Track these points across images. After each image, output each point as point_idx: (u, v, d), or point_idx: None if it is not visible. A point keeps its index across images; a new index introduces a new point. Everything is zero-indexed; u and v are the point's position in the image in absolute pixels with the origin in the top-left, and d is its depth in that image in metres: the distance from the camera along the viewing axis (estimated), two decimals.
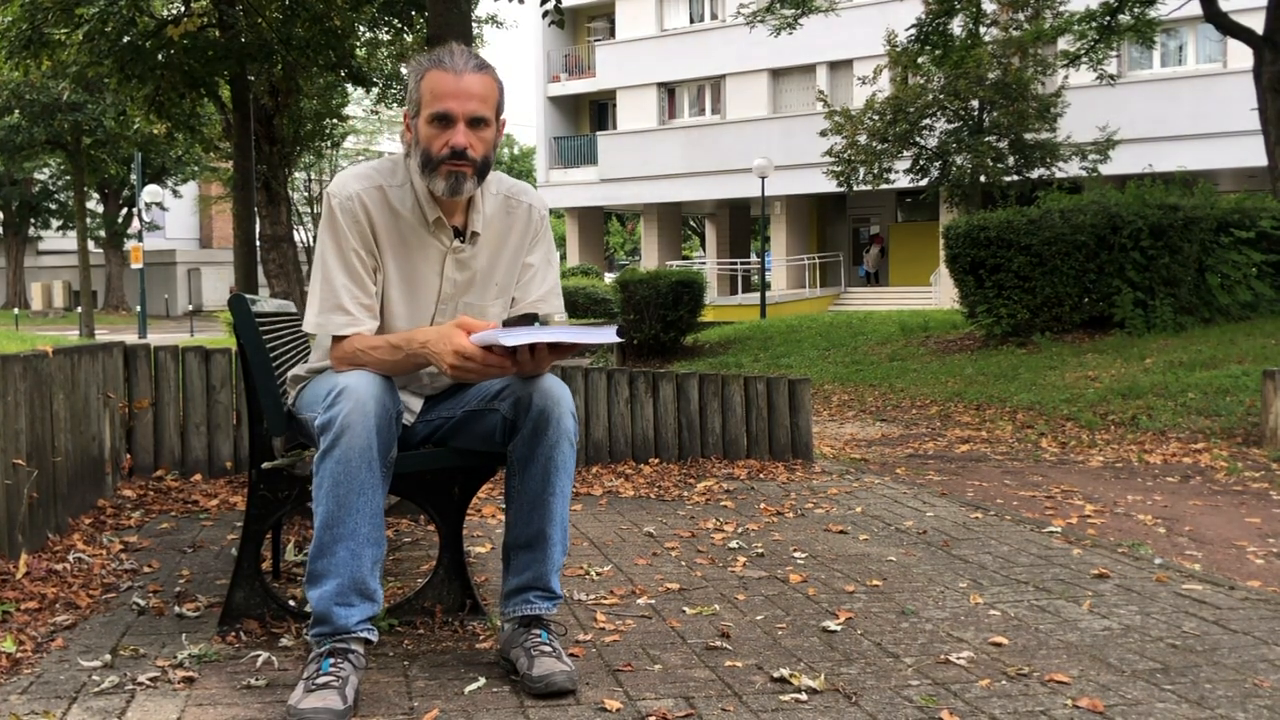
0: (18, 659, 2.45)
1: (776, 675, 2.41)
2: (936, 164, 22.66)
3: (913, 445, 7.43)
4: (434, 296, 2.53)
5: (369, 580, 2.30)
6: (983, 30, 17.88)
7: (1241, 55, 19.35)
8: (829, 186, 25.08)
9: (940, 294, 25.75)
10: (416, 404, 2.61)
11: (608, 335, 2.31)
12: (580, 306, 28.33)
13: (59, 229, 43.80)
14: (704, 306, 18.19)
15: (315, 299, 2.45)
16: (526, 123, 64.33)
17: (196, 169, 35.45)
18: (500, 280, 2.59)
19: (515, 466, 2.47)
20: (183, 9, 13.74)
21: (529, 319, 2.39)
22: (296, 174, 30.27)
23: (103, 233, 40.28)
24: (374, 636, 2.33)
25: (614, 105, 35.53)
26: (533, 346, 2.29)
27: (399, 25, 14.46)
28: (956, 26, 16.14)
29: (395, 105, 22.54)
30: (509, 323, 2.42)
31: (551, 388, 2.43)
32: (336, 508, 2.27)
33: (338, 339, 2.44)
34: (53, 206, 42.37)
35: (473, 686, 2.33)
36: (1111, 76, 17.80)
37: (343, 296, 2.43)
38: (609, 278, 32.07)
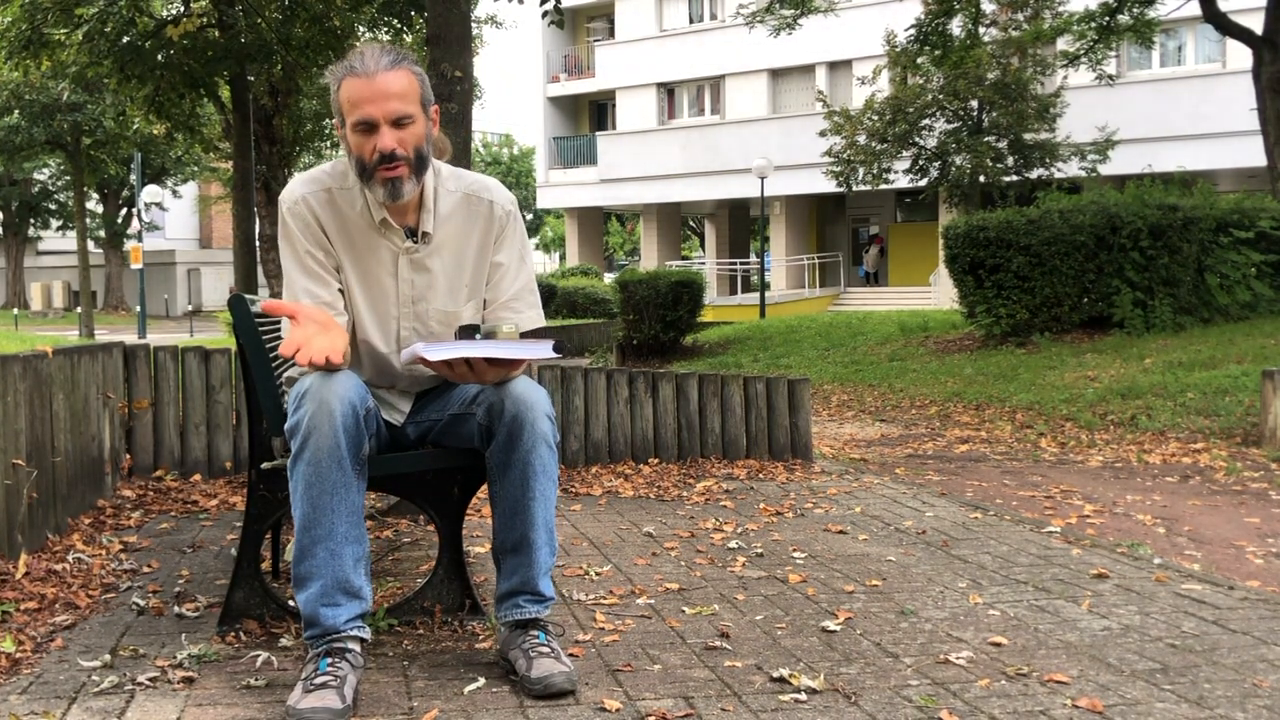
0: (17, 659, 2.45)
1: (776, 675, 2.41)
2: (936, 164, 22.68)
3: (912, 445, 7.43)
4: (394, 299, 2.52)
5: (353, 578, 2.30)
6: (982, 30, 17.90)
7: (1241, 55, 19.35)
8: (828, 186, 25.11)
9: (940, 294, 25.75)
10: (405, 404, 2.61)
11: (543, 350, 2.26)
12: (580, 306, 28.33)
13: (59, 229, 43.80)
14: (703, 307, 18.19)
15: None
16: (526, 123, 64.42)
17: (196, 169, 35.46)
18: (470, 282, 2.56)
19: (494, 472, 2.46)
20: (182, 9, 13.75)
21: (471, 330, 2.36)
22: (296, 174, 30.22)
23: (102, 233, 40.27)
24: (367, 634, 2.33)
25: (613, 105, 35.54)
26: (469, 359, 2.26)
27: (399, 25, 14.46)
28: (956, 27, 16.15)
29: None
30: (457, 332, 2.39)
31: (524, 392, 2.41)
32: (312, 510, 2.27)
33: None
34: (52, 207, 42.36)
35: (472, 686, 2.33)
36: (1111, 77, 17.81)
37: (302, 299, 2.44)
38: (608, 278, 32.08)
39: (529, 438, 2.40)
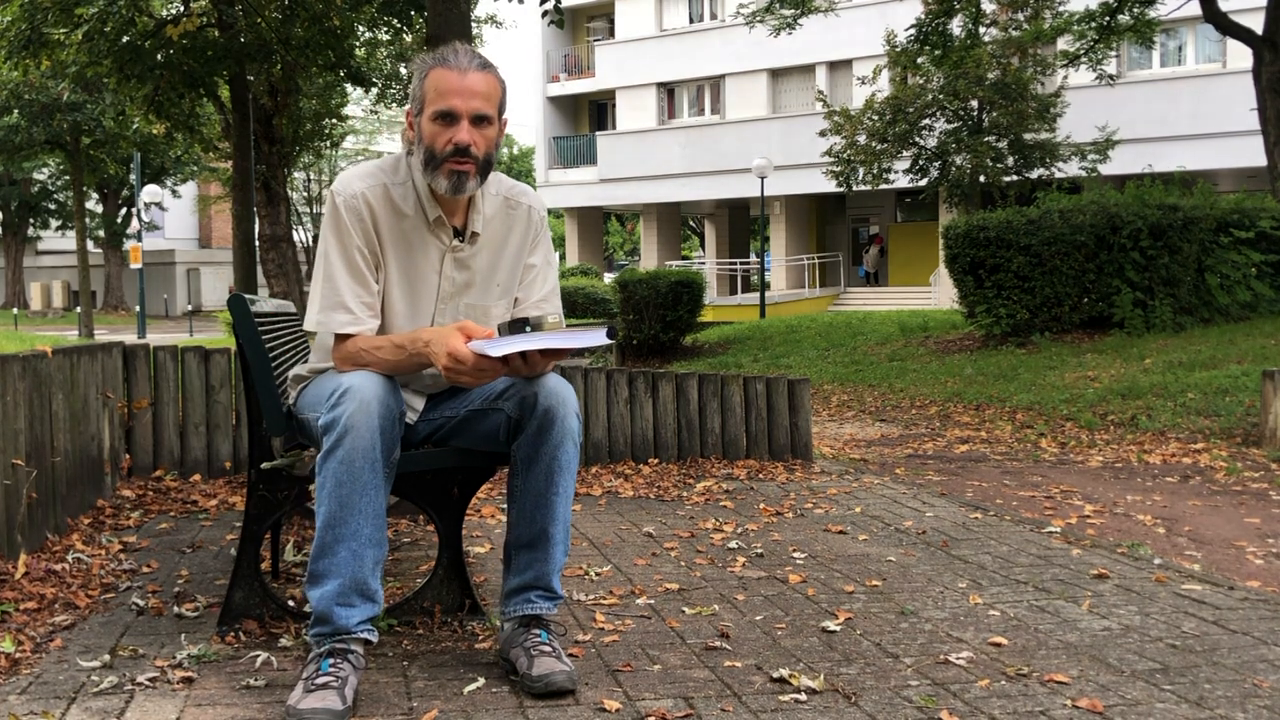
0: (17, 659, 2.45)
1: (776, 675, 2.41)
2: (936, 164, 22.66)
3: (912, 445, 7.43)
4: (433, 295, 2.53)
5: (370, 581, 2.31)
6: (982, 30, 17.88)
7: (1241, 55, 19.35)
8: (828, 186, 25.08)
9: (940, 294, 25.75)
10: (419, 403, 2.61)
11: (598, 338, 2.29)
12: (579, 306, 28.31)
13: (58, 229, 43.78)
14: (703, 306, 18.19)
15: (317, 297, 2.45)
16: (526, 123, 64.32)
17: (195, 169, 35.44)
18: (502, 281, 2.60)
19: (519, 465, 2.47)
20: (182, 9, 13.75)
21: (520, 324, 2.39)
22: (296, 174, 30.25)
23: (102, 233, 40.25)
24: (374, 637, 2.33)
25: (613, 105, 35.54)
26: (524, 352, 2.29)
27: (398, 25, 14.47)
28: (956, 26, 16.14)
29: (395, 105, 22.51)
30: (503, 328, 2.43)
31: (557, 387, 2.44)
32: (339, 508, 2.27)
33: (340, 338, 2.44)
34: (52, 206, 42.33)
35: (472, 686, 2.33)
36: (1111, 77, 17.80)
37: (345, 295, 2.44)
38: (608, 278, 32.07)
39: (558, 432, 2.42)
